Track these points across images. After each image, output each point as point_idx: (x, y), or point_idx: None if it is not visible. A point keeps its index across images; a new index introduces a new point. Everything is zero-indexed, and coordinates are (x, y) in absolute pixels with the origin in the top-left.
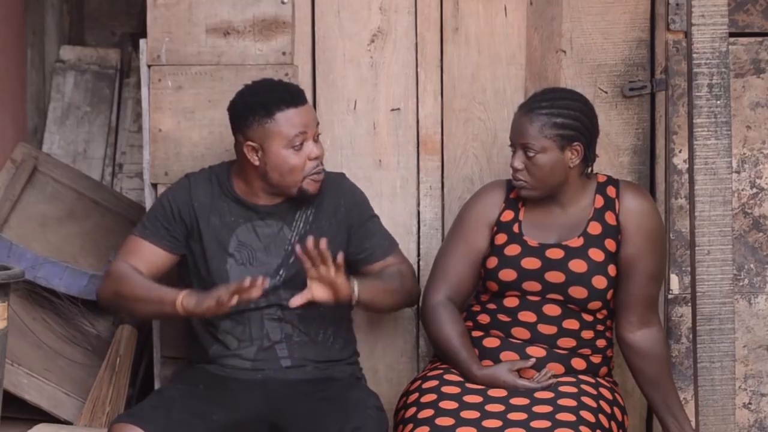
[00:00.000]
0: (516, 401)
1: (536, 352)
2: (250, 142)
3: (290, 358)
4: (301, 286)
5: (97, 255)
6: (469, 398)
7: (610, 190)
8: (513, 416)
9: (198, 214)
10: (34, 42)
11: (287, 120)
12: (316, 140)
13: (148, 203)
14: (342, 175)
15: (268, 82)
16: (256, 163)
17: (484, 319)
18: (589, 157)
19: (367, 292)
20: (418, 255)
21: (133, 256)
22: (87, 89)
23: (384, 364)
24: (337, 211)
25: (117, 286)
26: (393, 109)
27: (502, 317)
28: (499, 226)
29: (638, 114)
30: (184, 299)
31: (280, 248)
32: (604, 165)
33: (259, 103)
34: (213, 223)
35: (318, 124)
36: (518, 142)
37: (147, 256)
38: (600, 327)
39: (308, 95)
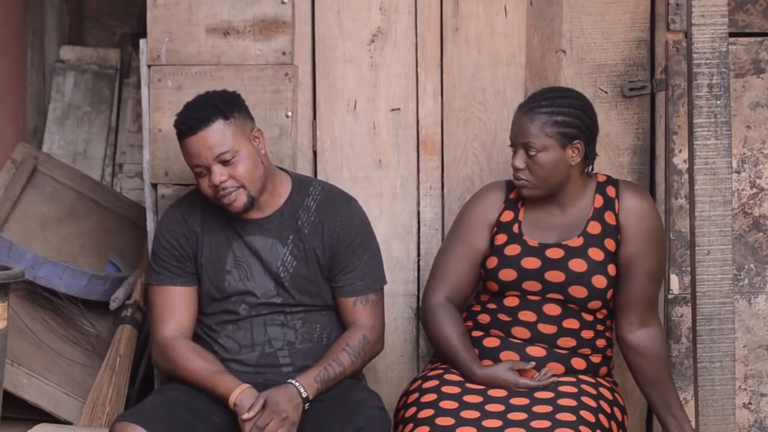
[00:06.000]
0: (516, 401)
1: (536, 351)
2: None
3: (292, 365)
4: (299, 296)
5: (97, 255)
6: (469, 398)
7: (610, 190)
8: (513, 416)
9: (199, 238)
10: (34, 42)
11: (184, 150)
12: (226, 163)
13: (149, 203)
14: (350, 199)
15: (185, 106)
16: None
17: (484, 318)
18: (589, 155)
19: (318, 390)
20: (418, 255)
21: (169, 317)
22: (87, 89)
23: (384, 364)
24: (329, 234)
25: (171, 366)
26: (393, 109)
27: (502, 317)
28: (499, 227)
29: (638, 114)
30: (237, 401)
31: (273, 264)
32: (604, 165)
33: (175, 125)
34: (210, 241)
35: (226, 151)
36: (519, 141)
37: (178, 304)
38: (600, 327)
39: (308, 95)
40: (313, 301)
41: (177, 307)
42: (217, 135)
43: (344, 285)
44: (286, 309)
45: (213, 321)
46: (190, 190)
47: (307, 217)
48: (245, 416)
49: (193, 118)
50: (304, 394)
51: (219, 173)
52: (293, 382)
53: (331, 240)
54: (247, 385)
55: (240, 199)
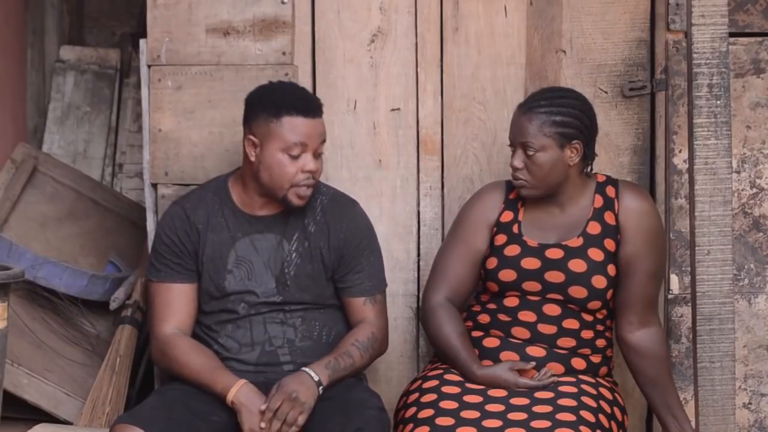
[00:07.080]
0: (516, 401)
1: (536, 351)
2: (252, 136)
3: (292, 363)
4: (300, 295)
5: (97, 255)
6: (469, 398)
7: (610, 190)
8: (513, 416)
9: (201, 236)
10: (34, 42)
11: (292, 126)
12: (316, 156)
13: (149, 203)
14: (354, 201)
15: (291, 86)
16: (252, 158)
17: (484, 318)
18: (588, 156)
19: (330, 378)
20: (418, 255)
21: (169, 314)
22: (87, 89)
23: (384, 364)
24: (336, 235)
25: (170, 364)
26: (393, 109)
27: (502, 317)
28: (499, 227)
29: (638, 114)
30: (234, 399)
31: (278, 261)
32: (604, 165)
33: (272, 101)
34: (212, 240)
35: (324, 141)
36: (518, 141)
37: (178, 300)
38: (600, 327)
39: None
40: (313, 300)
41: (177, 304)
42: (323, 128)
43: (353, 285)
44: (286, 307)
45: (212, 320)
46: (193, 189)
47: (312, 215)
48: (262, 407)
49: (310, 104)
50: (316, 378)
51: (315, 162)
52: (305, 369)
53: (338, 240)
54: (244, 381)
55: (309, 196)
